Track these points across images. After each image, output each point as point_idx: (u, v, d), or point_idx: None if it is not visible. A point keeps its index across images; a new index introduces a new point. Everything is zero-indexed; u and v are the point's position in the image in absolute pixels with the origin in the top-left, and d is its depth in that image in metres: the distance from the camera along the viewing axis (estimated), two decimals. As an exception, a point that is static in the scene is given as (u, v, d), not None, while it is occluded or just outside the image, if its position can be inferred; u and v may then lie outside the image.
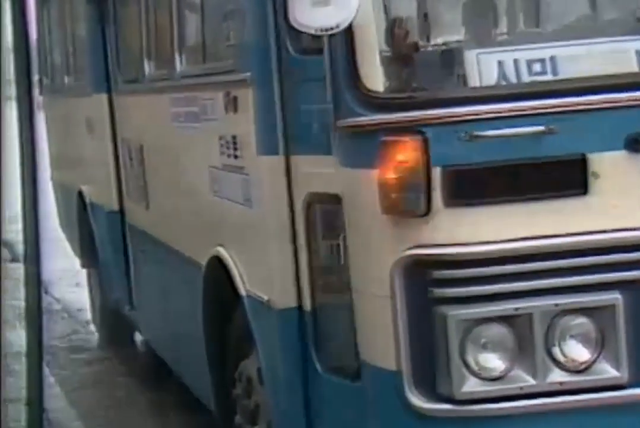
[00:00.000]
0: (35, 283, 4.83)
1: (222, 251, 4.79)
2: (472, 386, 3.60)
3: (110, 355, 7.85)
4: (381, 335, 3.70)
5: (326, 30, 3.53)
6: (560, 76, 3.77)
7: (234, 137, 4.56)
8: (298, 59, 3.98)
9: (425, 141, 3.56)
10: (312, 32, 3.56)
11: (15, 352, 7.31)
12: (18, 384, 6.46)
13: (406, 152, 3.57)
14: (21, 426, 5.67)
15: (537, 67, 3.77)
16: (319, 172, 3.94)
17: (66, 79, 8.91)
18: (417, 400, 3.65)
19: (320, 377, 4.07)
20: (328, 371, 4.05)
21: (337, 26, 3.53)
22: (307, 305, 4.10)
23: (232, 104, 4.50)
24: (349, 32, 3.62)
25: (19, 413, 5.93)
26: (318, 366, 4.07)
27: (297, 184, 4.09)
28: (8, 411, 6.01)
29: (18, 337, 7.76)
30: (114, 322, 7.94)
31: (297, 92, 4.02)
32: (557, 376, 3.63)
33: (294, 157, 4.09)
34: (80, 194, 8.35)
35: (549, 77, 3.78)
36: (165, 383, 6.64)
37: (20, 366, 6.90)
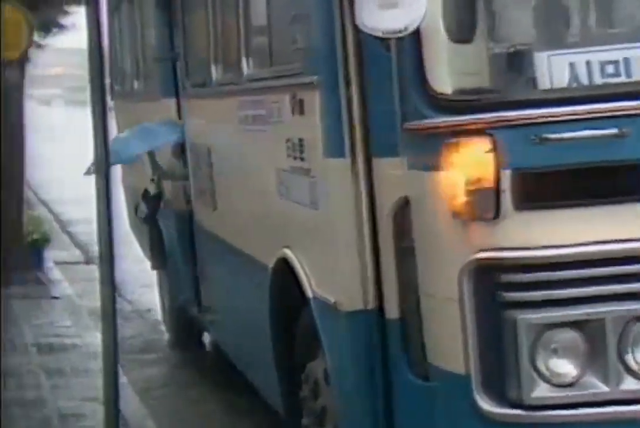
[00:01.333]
0: (110, 285, 4.82)
1: (289, 253, 4.72)
2: (542, 391, 3.49)
3: (180, 356, 7.82)
4: (449, 338, 3.61)
5: (394, 33, 3.46)
6: (634, 78, 3.65)
7: (300, 139, 4.49)
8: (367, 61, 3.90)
9: (495, 144, 3.47)
10: (380, 34, 3.48)
11: (91, 352, 7.34)
12: (93, 384, 6.48)
13: (475, 155, 3.48)
14: (97, 425, 5.65)
15: (610, 69, 3.65)
16: (388, 174, 3.86)
17: (136, 84, 8.92)
18: (486, 405, 3.55)
19: (389, 378, 3.98)
20: (397, 372, 3.95)
21: (405, 29, 3.45)
22: (372, 306, 4.01)
23: (299, 107, 4.44)
24: (416, 35, 3.53)
25: (95, 412, 5.93)
26: (389, 367, 3.97)
27: (365, 186, 3.99)
28: (83, 410, 6.02)
29: (93, 338, 7.80)
30: (183, 323, 7.90)
31: (365, 95, 3.93)
32: (631, 384, 3.51)
33: (362, 160, 3.99)
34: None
35: (622, 79, 3.65)
36: (233, 383, 6.58)
37: (95, 366, 6.92)
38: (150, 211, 7.98)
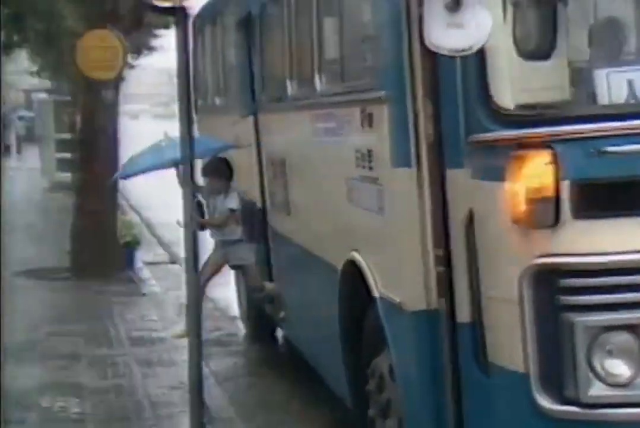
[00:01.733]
0: (194, 283, 4.79)
1: (357, 256, 4.67)
2: (598, 390, 3.39)
3: (255, 349, 7.78)
4: (509, 338, 3.52)
5: (460, 51, 3.39)
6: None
7: (369, 150, 4.44)
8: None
9: (555, 156, 3.39)
10: (446, 53, 3.42)
11: (176, 345, 7.34)
12: (179, 373, 6.47)
13: (536, 167, 3.41)
14: (183, 411, 5.62)
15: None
16: (453, 184, 3.78)
17: (217, 100, 8.92)
18: (545, 402, 3.46)
19: (452, 374, 3.87)
20: (460, 368, 3.85)
21: (470, 48, 3.38)
22: (435, 306, 3.92)
23: (368, 120, 4.40)
24: (481, 53, 3.46)
25: (181, 400, 5.92)
26: (453, 363, 3.87)
27: (429, 194, 3.91)
28: (171, 397, 6.01)
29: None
30: (258, 319, 7.85)
31: (431, 108, 3.85)
32: None
33: (427, 170, 3.91)
34: (229, 202, 8.29)
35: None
36: (303, 375, 6.51)
37: (179, 358, 6.92)
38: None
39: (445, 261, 3.83)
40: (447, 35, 3.37)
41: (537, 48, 3.82)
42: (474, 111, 3.55)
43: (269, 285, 7.09)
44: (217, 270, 7.32)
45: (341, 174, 4.90)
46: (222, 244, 7.25)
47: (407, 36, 3.88)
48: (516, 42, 3.66)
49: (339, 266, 4.91)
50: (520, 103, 3.54)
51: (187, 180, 4.96)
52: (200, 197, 7.31)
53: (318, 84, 5.31)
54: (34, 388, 6.25)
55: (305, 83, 5.66)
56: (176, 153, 5.53)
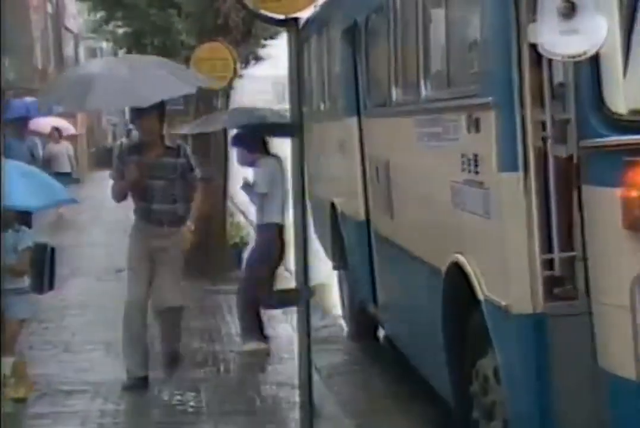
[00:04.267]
0: (303, 282, 4.71)
1: (461, 258, 4.53)
2: None
3: (357, 347, 7.66)
4: (620, 344, 3.32)
5: (574, 56, 3.23)
6: None
7: (475, 155, 4.31)
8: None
9: None
10: (559, 58, 3.30)
11: (283, 342, 7.28)
12: (286, 370, 6.41)
13: None
14: (291, 407, 5.58)
15: None
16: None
17: (322, 106, 8.85)
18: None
19: (556, 377, 3.70)
20: (566, 372, 3.67)
21: (585, 53, 3.23)
22: (540, 309, 3.75)
23: (474, 125, 4.27)
24: (594, 58, 3.30)
25: (288, 396, 5.83)
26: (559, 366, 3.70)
27: (536, 199, 3.76)
28: (279, 393, 5.95)
29: (283, 329, 7.75)
30: (360, 318, 7.74)
31: (539, 114, 3.70)
32: None
33: (534, 174, 3.78)
34: (333, 205, 8.23)
35: None
36: (405, 374, 6.37)
37: (286, 355, 6.85)
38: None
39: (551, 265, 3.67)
40: (561, 41, 3.25)
41: None
42: (586, 116, 3.39)
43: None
44: None
45: (446, 178, 4.77)
46: None
47: (516, 42, 3.76)
48: (630, 46, 3.48)
49: (443, 268, 4.78)
50: (634, 108, 3.38)
51: (298, 190, 4.87)
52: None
53: (423, 90, 5.19)
54: (154, 382, 6.23)
55: (410, 89, 5.54)
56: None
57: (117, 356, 6.87)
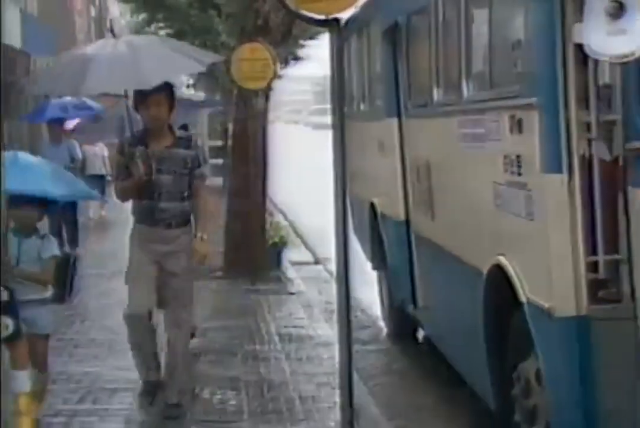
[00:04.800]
0: (344, 283, 4.66)
1: (503, 260, 4.48)
2: None
3: (396, 348, 7.60)
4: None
5: (621, 57, 3.17)
6: None
7: (518, 156, 4.26)
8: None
9: None
10: (607, 59, 3.22)
11: (322, 342, 7.24)
12: (325, 370, 6.37)
13: None
14: (331, 407, 5.52)
15: None
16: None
17: (362, 106, 8.80)
18: None
19: (599, 381, 3.63)
20: (610, 376, 3.60)
21: (632, 54, 3.16)
22: (584, 312, 3.69)
23: (517, 126, 4.22)
24: (640, 59, 3.23)
25: (328, 396, 5.81)
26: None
27: (580, 200, 3.71)
28: (319, 394, 5.91)
29: (323, 329, 7.71)
30: (400, 319, 7.68)
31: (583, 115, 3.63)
32: None
33: (578, 176, 3.72)
34: (372, 205, 8.18)
35: None
36: (444, 376, 6.30)
37: (325, 355, 6.81)
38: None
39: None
40: (608, 42, 3.19)
41: None
42: (633, 117, 3.32)
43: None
44: None
45: (488, 179, 4.72)
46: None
47: (562, 42, 3.70)
48: None
49: (484, 269, 4.72)
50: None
51: (340, 189, 4.82)
52: None
53: (465, 90, 5.13)
54: (195, 380, 6.22)
55: (451, 89, 5.48)
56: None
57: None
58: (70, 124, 12.34)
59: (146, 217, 5.52)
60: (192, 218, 5.60)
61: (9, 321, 4.66)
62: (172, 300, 5.51)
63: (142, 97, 5.48)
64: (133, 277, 5.54)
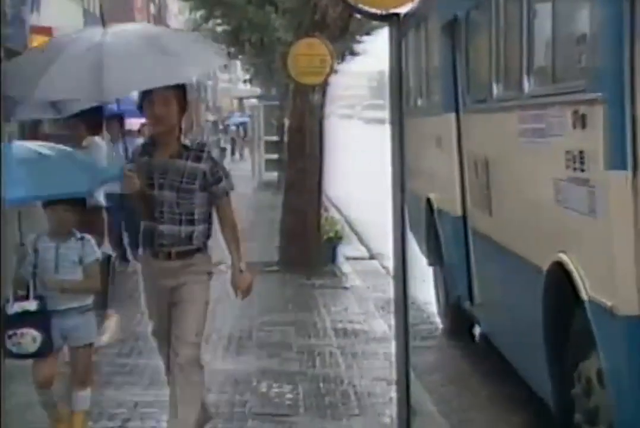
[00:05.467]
0: (402, 278, 4.60)
1: (564, 258, 4.39)
2: None
3: (452, 345, 7.52)
4: None
5: None
6: None
7: (581, 152, 4.16)
8: None
9: None
10: None
11: (377, 337, 7.20)
12: (380, 365, 6.33)
13: None
14: (387, 403, 5.49)
15: None
16: None
17: (419, 101, 8.71)
18: None
19: None
20: None
21: None
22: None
23: (581, 121, 4.12)
24: None
25: (384, 392, 5.76)
26: None
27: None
28: (375, 389, 5.86)
29: (378, 325, 7.66)
30: (456, 315, 7.59)
31: None
32: None
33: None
34: (429, 200, 8.09)
35: None
36: (502, 374, 6.21)
37: (380, 350, 6.77)
38: None
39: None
40: None
41: None
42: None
43: None
44: None
45: (549, 175, 4.62)
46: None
47: (629, 36, 3.60)
48: None
49: (544, 267, 4.63)
50: None
51: (397, 185, 4.76)
52: None
53: (526, 85, 5.04)
54: (252, 373, 6.22)
55: (512, 84, 5.39)
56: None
57: (225, 348, 6.88)
58: (136, 123, 12.19)
59: (145, 243, 4.60)
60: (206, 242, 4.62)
61: (36, 334, 4.34)
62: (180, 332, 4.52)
63: (146, 92, 4.50)
64: (152, 320, 4.73)
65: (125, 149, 4.87)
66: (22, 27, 19.70)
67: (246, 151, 34.38)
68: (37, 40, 20.24)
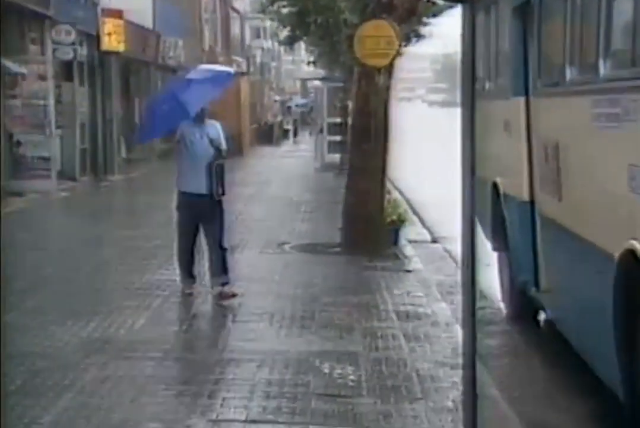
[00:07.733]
0: (470, 263, 4.51)
1: (637, 245, 4.27)
2: None
3: (516, 330, 7.41)
4: None
5: None
6: None
7: None
8: None
9: None
10: None
11: (439, 321, 7.12)
12: (442, 349, 6.28)
13: None
14: (450, 387, 5.43)
15: None
16: None
17: (487, 85, 8.56)
18: None
19: None
20: None
21: None
22: None
23: None
24: None
25: (446, 376, 5.70)
26: None
27: None
28: (437, 373, 5.80)
29: (440, 308, 7.58)
30: (521, 301, 7.47)
31: None
32: None
33: None
34: (495, 185, 7.96)
35: None
36: (567, 362, 6.10)
37: (443, 334, 6.70)
38: None
39: None
40: None
41: None
42: None
43: None
44: None
45: (623, 161, 4.50)
46: None
47: None
48: None
49: (616, 254, 4.52)
50: None
51: (467, 168, 4.66)
52: None
53: (602, 68, 4.89)
54: (314, 354, 6.19)
55: (586, 68, 5.25)
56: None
57: (281, 327, 6.88)
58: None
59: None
60: None
61: None
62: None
63: None
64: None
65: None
66: (93, 10, 19.84)
67: (307, 133, 34.32)
68: (108, 23, 20.39)
